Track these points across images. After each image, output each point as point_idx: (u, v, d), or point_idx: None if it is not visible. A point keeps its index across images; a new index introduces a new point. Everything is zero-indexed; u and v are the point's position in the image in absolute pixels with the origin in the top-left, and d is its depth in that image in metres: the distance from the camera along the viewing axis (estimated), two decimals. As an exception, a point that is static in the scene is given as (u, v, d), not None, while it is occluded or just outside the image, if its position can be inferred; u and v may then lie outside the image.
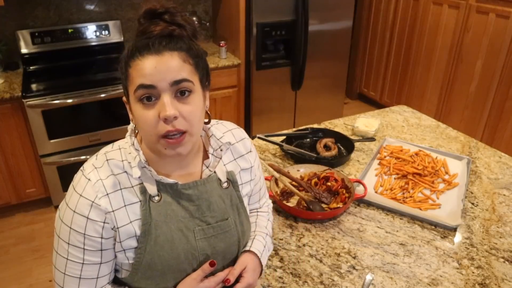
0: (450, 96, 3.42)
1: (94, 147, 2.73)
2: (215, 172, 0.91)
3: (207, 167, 0.91)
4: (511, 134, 3.01)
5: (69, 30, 2.91)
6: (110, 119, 2.72)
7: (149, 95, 0.76)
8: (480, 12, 3.03)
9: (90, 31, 2.98)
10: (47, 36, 2.85)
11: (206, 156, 0.93)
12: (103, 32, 3.01)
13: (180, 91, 0.78)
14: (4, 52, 2.77)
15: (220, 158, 0.92)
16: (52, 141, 2.59)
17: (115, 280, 0.91)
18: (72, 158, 2.67)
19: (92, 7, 3.00)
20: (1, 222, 2.75)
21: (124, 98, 0.86)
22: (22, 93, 2.43)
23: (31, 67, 2.85)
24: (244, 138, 1.00)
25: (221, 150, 0.92)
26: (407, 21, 3.67)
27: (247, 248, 0.97)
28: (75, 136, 2.66)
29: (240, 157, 0.97)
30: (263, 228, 1.05)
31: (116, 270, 0.89)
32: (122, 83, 0.83)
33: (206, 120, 0.90)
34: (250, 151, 1.00)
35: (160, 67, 0.76)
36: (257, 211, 1.10)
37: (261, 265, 0.98)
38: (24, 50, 2.81)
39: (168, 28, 0.79)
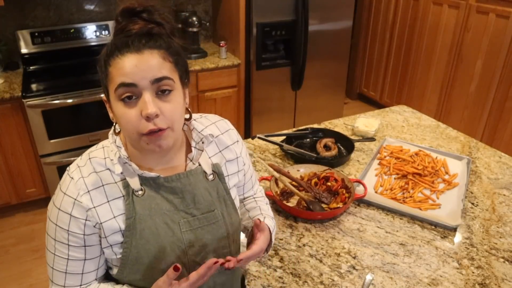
0: (450, 96, 3.42)
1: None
2: (200, 164, 0.92)
3: (191, 161, 0.92)
4: (511, 134, 3.01)
5: (70, 30, 2.91)
6: (110, 119, 2.71)
7: (130, 93, 0.77)
8: (480, 12, 3.03)
9: (90, 31, 2.97)
10: (47, 36, 2.85)
11: (189, 150, 0.93)
12: (103, 32, 3.01)
13: (161, 89, 0.78)
14: (4, 52, 2.77)
15: (202, 151, 0.93)
16: (52, 141, 2.59)
17: (110, 279, 0.92)
18: (72, 158, 2.67)
19: (92, 7, 3.00)
20: (1, 222, 2.75)
21: (103, 97, 0.86)
22: (22, 93, 2.43)
23: (31, 67, 2.85)
24: (229, 129, 1.00)
25: (202, 142, 0.92)
26: (407, 21, 3.67)
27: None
28: (75, 136, 2.66)
29: (226, 148, 0.98)
30: (267, 211, 1.06)
31: (109, 268, 0.90)
32: (101, 82, 0.83)
33: (187, 117, 0.91)
34: (237, 141, 1.00)
35: (140, 65, 0.76)
36: (254, 198, 1.11)
37: (271, 241, 0.99)
38: (24, 50, 2.81)
39: (147, 26, 0.79)
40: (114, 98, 0.79)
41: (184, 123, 0.91)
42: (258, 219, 0.93)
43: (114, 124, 0.88)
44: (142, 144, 0.80)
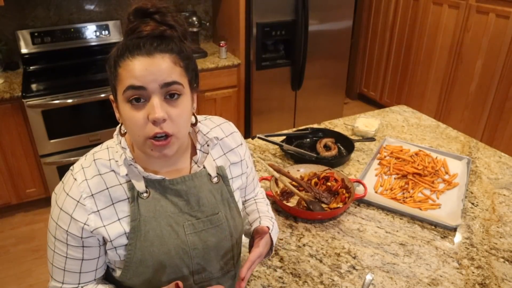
0: (450, 96, 3.42)
1: (94, 147, 2.73)
2: (204, 167, 0.91)
3: (196, 163, 0.92)
4: (511, 134, 3.01)
5: (70, 30, 2.91)
6: (110, 119, 2.71)
7: (139, 96, 0.76)
8: (480, 12, 3.03)
9: (90, 31, 2.97)
10: (47, 36, 2.85)
11: (194, 152, 0.93)
12: (103, 32, 3.01)
13: (170, 93, 0.78)
14: (4, 52, 2.77)
15: (208, 153, 0.93)
16: (52, 141, 2.59)
17: (112, 281, 0.92)
18: (72, 158, 2.67)
19: (92, 7, 3.00)
20: (1, 222, 2.75)
21: (111, 97, 0.86)
22: (22, 93, 2.43)
23: (31, 67, 2.85)
24: (233, 132, 1.00)
25: (207, 145, 0.92)
26: (407, 21, 3.67)
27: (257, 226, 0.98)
28: (75, 136, 2.66)
29: (230, 151, 0.97)
30: (265, 213, 1.06)
31: (112, 270, 0.90)
32: (110, 81, 0.82)
33: (193, 121, 0.90)
34: (241, 144, 1.00)
35: (151, 68, 0.75)
36: (254, 199, 1.11)
37: (272, 242, 0.98)
38: (24, 50, 2.81)
39: (159, 29, 0.78)
40: (121, 99, 0.78)
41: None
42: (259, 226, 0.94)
43: (120, 125, 0.88)
44: (146, 148, 0.80)
